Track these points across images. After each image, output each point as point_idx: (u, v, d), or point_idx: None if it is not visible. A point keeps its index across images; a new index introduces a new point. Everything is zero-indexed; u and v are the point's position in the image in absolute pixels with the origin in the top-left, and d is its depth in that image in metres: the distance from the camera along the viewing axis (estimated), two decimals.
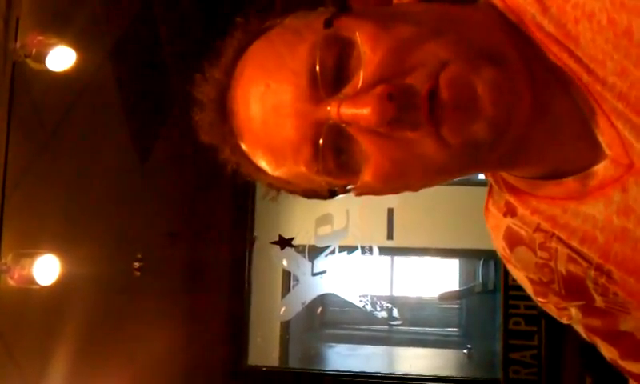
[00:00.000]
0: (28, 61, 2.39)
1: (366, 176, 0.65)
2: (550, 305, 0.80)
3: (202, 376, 4.20)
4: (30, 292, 2.47)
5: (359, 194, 0.70)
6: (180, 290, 3.99)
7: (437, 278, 7.30)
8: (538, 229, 0.74)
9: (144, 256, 3.49)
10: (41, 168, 2.62)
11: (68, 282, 2.59)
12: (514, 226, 0.77)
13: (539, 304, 0.82)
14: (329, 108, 0.63)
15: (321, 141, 0.64)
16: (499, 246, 0.82)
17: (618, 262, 0.68)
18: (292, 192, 0.75)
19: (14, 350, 2.45)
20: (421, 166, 0.64)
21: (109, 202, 3.17)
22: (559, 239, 0.72)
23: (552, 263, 0.74)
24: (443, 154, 0.62)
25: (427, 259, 7.18)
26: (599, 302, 0.73)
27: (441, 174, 0.67)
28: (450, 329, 7.15)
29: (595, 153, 0.66)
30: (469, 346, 6.41)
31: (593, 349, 0.80)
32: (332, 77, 0.63)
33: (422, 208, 5.26)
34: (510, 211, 0.77)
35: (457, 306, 7.20)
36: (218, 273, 4.53)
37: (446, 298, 6.95)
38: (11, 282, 2.41)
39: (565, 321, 0.80)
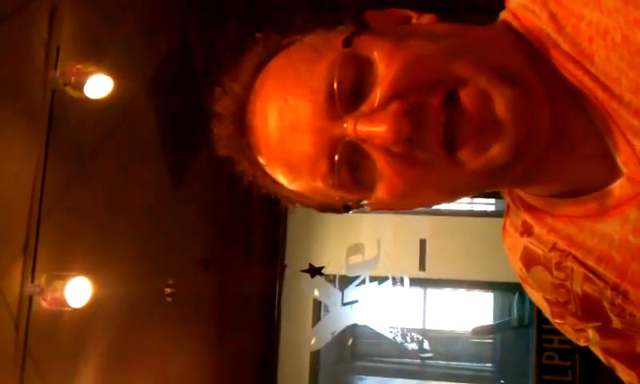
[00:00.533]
0: (67, 89, 2.46)
1: (380, 193, 0.66)
2: (566, 326, 0.79)
3: None
4: (61, 314, 2.51)
5: (373, 209, 0.71)
6: (210, 317, 4.00)
7: (470, 311, 7.19)
8: (554, 248, 0.73)
9: (175, 282, 3.51)
10: (76, 193, 2.67)
11: (99, 304, 2.62)
12: (530, 246, 0.76)
13: (556, 326, 0.81)
14: (345, 125, 0.64)
15: (337, 156, 0.65)
16: (516, 266, 0.81)
17: (635, 281, 0.67)
18: (307, 205, 0.76)
19: (45, 371, 2.49)
20: (435, 185, 0.64)
21: (142, 227, 3.22)
22: (575, 258, 0.71)
23: (568, 283, 0.74)
24: (459, 175, 0.63)
25: (460, 292, 7.08)
26: (616, 323, 0.72)
27: (456, 193, 0.68)
28: (483, 364, 7.02)
29: (611, 171, 0.65)
30: (502, 381, 6.28)
31: None
32: (349, 94, 0.64)
33: (455, 239, 5.22)
34: (527, 230, 0.76)
35: (490, 340, 7.07)
36: (249, 300, 4.54)
37: (479, 332, 6.83)
38: (44, 304, 2.45)
39: (582, 343, 0.79)
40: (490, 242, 5.14)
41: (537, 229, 0.75)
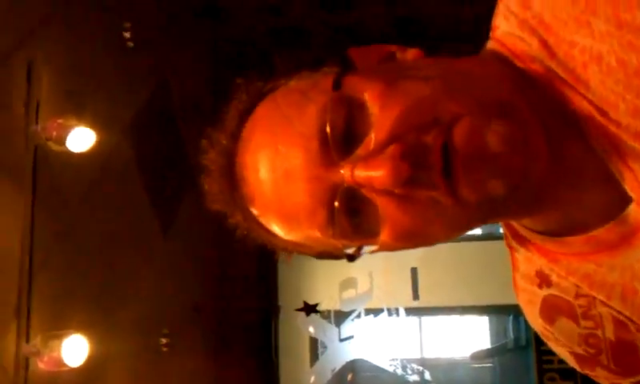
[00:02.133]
0: (49, 143, 2.45)
1: (384, 237, 0.63)
2: (600, 378, 0.75)
3: None
4: (59, 374, 2.45)
5: (376, 252, 0.68)
6: (207, 364, 3.94)
7: (467, 337, 7.15)
8: (578, 295, 0.70)
9: (170, 331, 3.46)
10: (66, 248, 2.64)
11: (97, 361, 2.57)
12: (551, 297, 0.73)
13: (588, 375, 0.76)
14: (342, 171, 0.62)
15: (336, 204, 0.62)
16: (537, 323, 0.77)
17: None
18: (305, 254, 0.73)
19: None
20: (439, 223, 0.62)
21: (133, 279, 3.18)
22: (602, 303, 0.68)
23: (599, 332, 0.70)
24: (461, 211, 0.61)
25: (455, 317, 7.05)
26: None
27: (459, 229, 0.65)
28: None
29: (620, 198, 0.63)
30: None
31: None
32: (343, 138, 0.62)
33: (445, 265, 5.21)
34: (545, 281, 0.73)
35: (490, 364, 7.02)
36: (245, 344, 4.47)
37: (477, 356, 6.79)
38: (41, 366, 2.39)
39: None
40: (480, 266, 5.15)
41: (555, 277, 0.72)
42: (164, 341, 3.41)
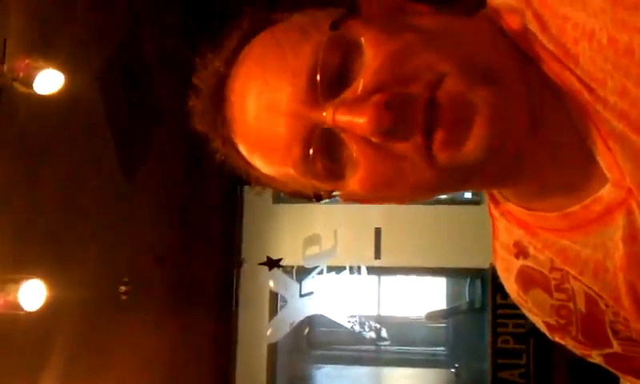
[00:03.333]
0: (15, 84, 2.37)
1: (353, 183, 0.64)
2: (569, 347, 0.78)
3: None
4: (16, 317, 2.43)
5: (344, 200, 0.70)
6: (166, 314, 3.94)
7: (424, 298, 7.30)
8: (552, 268, 0.72)
9: (130, 279, 3.45)
10: (27, 192, 2.58)
11: (54, 306, 2.55)
12: (526, 268, 0.75)
13: (558, 342, 0.79)
14: (325, 113, 0.62)
15: (312, 144, 0.63)
16: (512, 290, 0.79)
17: (627, 292, 0.66)
18: (279, 190, 0.75)
19: (1, 375, 2.40)
20: (409, 180, 0.62)
21: (95, 225, 3.14)
22: (575, 278, 0.70)
23: (570, 304, 0.73)
24: (433, 171, 0.61)
25: (414, 278, 7.18)
26: (616, 346, 0.71)
27: (429, 191, 0.66)
28: (437, 348, 7.14)
29: (597, 176, 0.65)
30: (456, 365, 6.40)
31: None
32: (332, 80, 0.62)
33: (409, 227, 5.27)
34: (522, 252, 0.75)
35: (444, 324, 7.20)
36: (205, 296, 4.49)
37: (432, 316, 6.94)
38: None
39: (587, 358, 0.78)
40: (442, 229, 5.22)
41: (532, 250, 0.73)
42: (123, 289, 3.40)
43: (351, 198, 0.68)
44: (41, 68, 2.39)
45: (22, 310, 2.42)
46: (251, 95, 0.66)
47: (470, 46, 0.63)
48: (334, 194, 0.68)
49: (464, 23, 0.68)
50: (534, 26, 0.64)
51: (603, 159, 0.63)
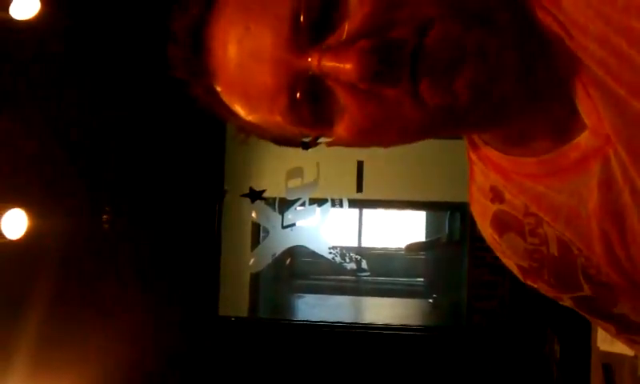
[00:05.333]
0: None
1: (340, 129, 0.63)
2: (541, 290, 0.80)
3: (174, 327, 4.21)
4: None
5: (331, 146, 0.69)
6: (149, 243, 3.96)
7: (404, 230, 7.39)
8: (527, 213, 0.72)
9: (112, 209, 3.44)
10: (6, 120, 2.54)
11: (35, 235, 2.55)
12: (501, 213, 0.75)
13: (531, 286, 0.80)
14: (310, 59, 0.60)
15: (298, 92, 0.61)
16: (487, 233, 0.80)
17: (598, 242, 0.67)
18: (263, 138, 0.73)
19: None
20: (396, 124, 0.62)
21: (77, 153, 3.11)
22: (548, 224, 0.71)
23: (544, 248, 0.73)
24: (420, 114, 0.60)
25: (395, 211, 7.24)
26: (587, 290, 0.73)
27: (415, 134, 0.65)
28: (416, 279, 7.28)
29: (577, 123, 0.64)
30: (434, 295, 6.54)
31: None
32: (316, 24, 0.60)
33: (391, 161, 5.28)
34: (498, 197, 0.75)
35: (423, 256, 7.31)
36: (188, 225, 4.50)
37: (412, 248, 7.05)
38: None
39: (559, 301, 0.80)
40: (424, 163, 5.24)
41: (507, 195, 0.74)
42: (105, 218, 3.40)
43: (338, 144, 0.68)
44: None
45: (4, 238, 2.43)
46: (232, 43, 0.63)
47: None
48: (320, 141, 0.68)
49: None
50: None
51: (582, 106, 0.63)
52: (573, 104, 0.63)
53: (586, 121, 0.63)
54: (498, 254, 0.81)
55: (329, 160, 5.11)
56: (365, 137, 0.64)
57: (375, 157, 5.27)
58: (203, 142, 4.55)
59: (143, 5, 3.51)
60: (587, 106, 0.62)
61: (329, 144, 0.68)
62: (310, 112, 0.63)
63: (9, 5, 2.29)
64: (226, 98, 0.68)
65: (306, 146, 0.69)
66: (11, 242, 2.47)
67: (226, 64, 0.64)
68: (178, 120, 4.08)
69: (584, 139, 0.64)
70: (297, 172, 5.14)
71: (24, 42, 2.52)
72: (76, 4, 3.00)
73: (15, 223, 2.50)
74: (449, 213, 6.33)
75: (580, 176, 0.66)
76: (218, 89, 0.68)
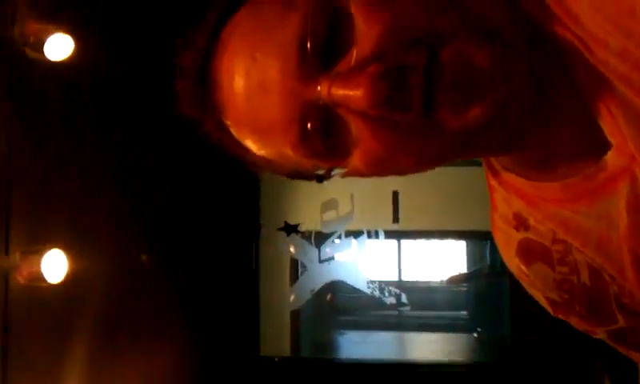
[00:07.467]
0: (26, 50, 2.34)
1: (355, 159, 0.61)
2: (573, 324, 0.76)
3: (215, 368, 4.17)
4: (40, 289, 2.43)
5: (346, 176, 0.66)
6: (188, 282, 3.94)
7: (444, 261, 7.29)
8: (555, 240, 0.69)
9: (151, 248, 3.44)
10: (46, 161, 2.56)
11: (76, 277, 2.54)
12: (527, 241, 0.72)
13: (561, 319, 0.77)
14: (319, 88, 0.58)
15: (309, 123, 0.59)
16: (513, 264, 0.77)
17: (630, 266, 0.64)
18: (276, 172, 0.71)
19: (26, 348, 2.40)
20: (412, 151, 0.59)
21: (115, 192, 3.12)
22: (578, 250, 0.67)
23: (574, 277, 0.70)
24: (436, 139, 0.58)
25: (434, 242, 7.16)
26: (621, 322, 0.69)
27: (433, 160, 0.62)
28: (459, 312, 7.14)
29: (599, 143, 0.61)
30: (478, 328, 6.39)
31: None
32: (324, 50, 0.58)
33: (427, 190, 5.23)
34: (522, 224, 0.72)
35: (465, 288, 7.18)
36: (226, 263, 4.48)
37: (454, 280, 6.94)
38: (20, 280, 2.36)
39: (592, 335, 0.76)
40: (460, 192, 5.16)
41: (532, 221, 0.70)
42: (144, 257, 3.39)
43: (353, 175, 0.65)
44: (51, 32, 2.35)
45: (44, 281, 2.42)
46: (240, 75, 0.61)
47: (471, 6, 0.59)
48: (334, 173, 0.66)
49: None
50: None
51: (606, 124, 0.59)
52: (593, 122, 0.60)
53: (611, 140, 0.60)
54: (526, 285, 0.78)
55: (363, 191, 5.08)
56: (380, 165, 0.61)
57: (410, 186, 5.22)
58: (238, 177, 4.55)
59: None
60: (610, 124, 0.59)
61: (343, 175, 0.66)
62: (322, 143, 0.60)
63: (43, 46, 2.32)
64: (235, 133, 0.66)
65: (320, 179, 0.67)
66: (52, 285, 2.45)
67: (234, 98, 0.63)
68: (212, 157, 4.09)
69: (610, 159, 0.61)
70: (332, 204, 5.12)
71: (59, 81, 2.56)
72: (112, 38, 3.03)
73: (56, 265, 2.49)
74: (489, 242, 6.21)
75: (608, 198, 0.62)
76: (227, 123, 0.66)
